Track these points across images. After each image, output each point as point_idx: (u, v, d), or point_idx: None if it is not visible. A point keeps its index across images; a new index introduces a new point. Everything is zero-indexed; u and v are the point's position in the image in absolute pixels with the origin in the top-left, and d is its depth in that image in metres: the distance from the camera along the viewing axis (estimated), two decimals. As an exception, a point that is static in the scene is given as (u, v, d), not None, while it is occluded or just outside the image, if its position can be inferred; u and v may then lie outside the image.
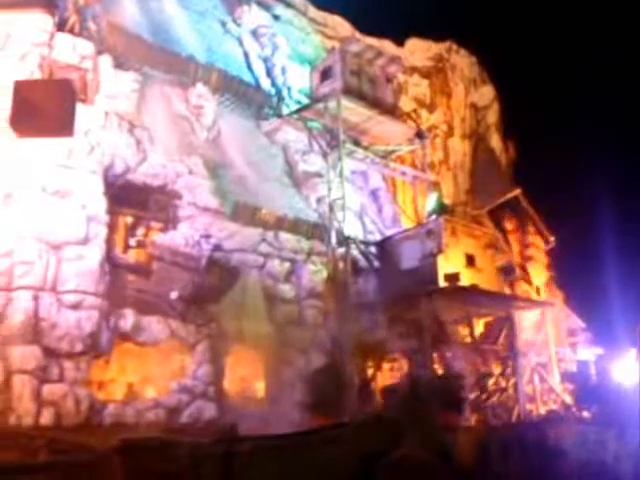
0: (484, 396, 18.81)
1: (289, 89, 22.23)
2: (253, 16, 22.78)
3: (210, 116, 17.99)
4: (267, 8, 23.55)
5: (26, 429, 11.43)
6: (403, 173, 22.72)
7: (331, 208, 18.88)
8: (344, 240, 18.70)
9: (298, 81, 22.36)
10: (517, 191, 25.80)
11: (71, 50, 15.18)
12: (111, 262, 14.32)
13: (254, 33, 22.77)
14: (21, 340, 12.36)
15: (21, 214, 13.03)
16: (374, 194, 23.47)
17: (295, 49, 23.45)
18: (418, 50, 28.66)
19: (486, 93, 30.04)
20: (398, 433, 3.57)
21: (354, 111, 20.08)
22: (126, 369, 14.09)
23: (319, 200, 20.10)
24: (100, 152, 14.59)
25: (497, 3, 48.72)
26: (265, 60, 22.44)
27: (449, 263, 17.83)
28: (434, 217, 19.48)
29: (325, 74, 20.69)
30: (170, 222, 15.93)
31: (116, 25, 16.61)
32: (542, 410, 21.02)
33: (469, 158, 28.21)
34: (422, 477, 3.42)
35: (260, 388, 16.79)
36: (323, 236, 18.87)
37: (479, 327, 21.81)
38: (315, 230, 18.82)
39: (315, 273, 18.36)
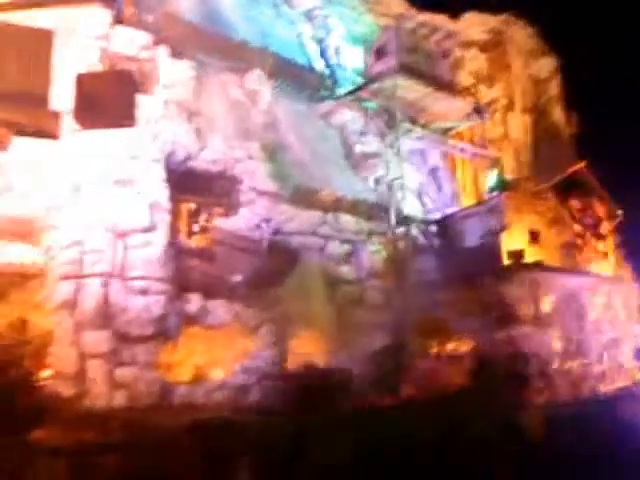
0: (552, 373, 18.43)
1: (344, 70, 22.11)
2: (306, -2, 22.72)
3: (266, 100, 18.08)
4: (319, -11, 23.41)
5: (100, 411, 11.86)
6: (462, 150, 22.39)
7: (390, 188, 18.79)
8: (403, 220, 18.60)
9: (352, 61, 22.21)
10: (581, 165, 24.96)
11: (129, 42, 15.55)
12: (176, 248, 14.66)
13: (307, 15, 22.74)
14: (93, 326, 12.83)
15: (89, 205, 13.48)
16: (433, 172, 23.14)
17: (348, 29, 23.24)
18: (475, 24, 27.87)
19: (546, 65, 29.09)
20: (465, 411, 3.58)
21: (410, 89, 19.85)
22: (193, 352, 14.42)
23: (377, 181, 19.99)
24: (161, 141, 14.89)
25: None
26: (319, 42, 22.37)
27: (512, 240, 17.52)
28: (495, 194, 19.14)
29: (380, 53, 20.48)
30: (231, 207, 16.15)
31: (171, 15, 16.89)
32: (613, 387, 20.50)
33: (530, 132, 27.46)
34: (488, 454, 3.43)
35: (324, 369, 16.91)
36: (382, 216, 18.80)
37: (545, 305, 21.34)
38: (374, 211, 18.76)
39: (375, 253, 18.33)
